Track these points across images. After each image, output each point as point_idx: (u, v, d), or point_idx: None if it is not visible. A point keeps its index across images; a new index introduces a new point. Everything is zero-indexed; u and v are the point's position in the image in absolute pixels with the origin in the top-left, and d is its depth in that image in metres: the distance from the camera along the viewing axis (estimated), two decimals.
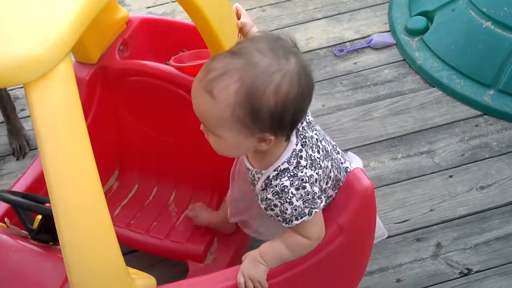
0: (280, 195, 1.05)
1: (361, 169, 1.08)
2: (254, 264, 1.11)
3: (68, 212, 0.85)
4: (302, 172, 1.06)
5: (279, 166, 1.06)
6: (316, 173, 1.08)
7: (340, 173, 1.16)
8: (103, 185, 1.53)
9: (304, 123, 1.11)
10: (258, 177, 1.10)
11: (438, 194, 1.77)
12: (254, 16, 2.42)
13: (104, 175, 1.53)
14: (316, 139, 1.12)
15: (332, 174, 1.14)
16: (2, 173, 1.94)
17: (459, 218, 1.71)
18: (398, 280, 1.59)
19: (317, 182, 1.08)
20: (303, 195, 1.05)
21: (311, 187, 1.06)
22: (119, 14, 1.41)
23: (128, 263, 1.58)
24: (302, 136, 1.09)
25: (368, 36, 2.28)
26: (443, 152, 1.88)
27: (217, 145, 1.03)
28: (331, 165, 1.14)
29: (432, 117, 1.98)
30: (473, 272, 1.59)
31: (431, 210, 1.73)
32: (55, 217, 0.85)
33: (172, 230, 1.46)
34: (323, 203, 1.11)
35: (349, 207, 1.08)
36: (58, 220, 0.85)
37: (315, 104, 2.07)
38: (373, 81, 2.13)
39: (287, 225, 1.08)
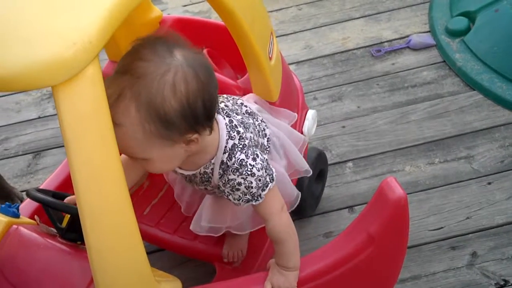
0: (241, 170, 1.04)
1: (395, 178, 1.04)
2: (280, 273, 1.09)
3: (94, 215, 0.84)
4: (247, 139, 1.06)
5: (226, 146, 1.05)
6: (251, 132, 1.09)
7: (259, 140, 1.16)
8: (134, 185, 1.54)
9: None
10: (212, 169, 1.08)
11: (475, 201, 1.71)
12: (290, 15, 2.40)
13: None
14: (229, 108, 1.12)
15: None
16: (37, 167, 1.98)
17: (497, 227, 1.65)
18: None
19: (255, 142, 1.10)
20: (261, 163, 1.05)
21: (260, 155, 1.06)
22: (153, 13, 1.41)
23: (158, 260, 1.60)
24: (220, 109, 1.07)
25: (407, 36, 2.24)
26: (482, 158, 1.82)
27: (151, 167, 0.99)
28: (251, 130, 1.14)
29: (472, 121, 1.93)
30: (510, 284, 1.54)
31: (467, 218, 1.68)
32: (82, 220, 0.85)
33: None
34: None
35: (380, 216, 1.05)
36: (84, 223, 0.85)
37: (350, 105, 2.04)
38: (411, 82, 2.08)
39: (257, 202, 1.07)
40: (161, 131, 0.91)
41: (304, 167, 1.31)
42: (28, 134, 2.09)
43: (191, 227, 1.29)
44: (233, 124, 1.07)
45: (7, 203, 1.16)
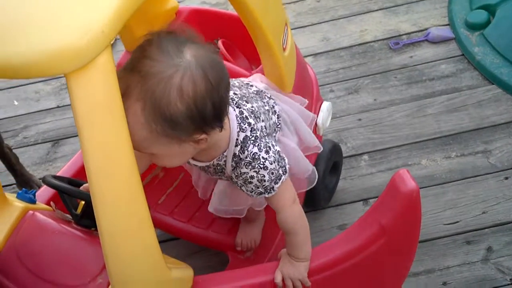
0: (253, 163, 1.04)
1: (407, 170, 1.04)
2: (291, 263, 1.10)
3: (107, 201, 0.86)
4: (258, 130, 1.05)
5: (237, 139, 1.04)
6: (262, 120, 1.08)
7: (272, 117, 1.15)
8: (149, 174, 1.56)
9: None
10: (225, 161, 1.07)
11: (492, 196, 1.70)
12: (308, 7, 2.39)
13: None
14: (238, 96, 1.11)
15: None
16: (56, 156, 2.01)
17: None
18: (444, 283, 1.54)
19: (267, 130, 1.09)
20: (274, 156, 1.04)
21: (273, 147, 1.05)
22: (169, 4, 1.41)
23: (172, 249, 1.62)
24: (230, 99, 1.06)
25: (426, 29, 2.21)
26: (500, 152, 1.80)
27: (159, 161, 1.00)
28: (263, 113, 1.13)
29: (490, 115, 1.91)
30: None
31: (483, 213, 1.67)
32: (94, 206, 0.86)
33: (214, 220, 1.46)
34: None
35: (392, 209, 1.05)
36: (96, 209, 0.86)
37: (367, 98, 2.03)
38: (429, 76, 2.06)
39: (269, 194, 1.07)
40: (167, 131, 0.91)
41: (315, 143, 1.30)
42: (47, 123, 2.12)
43: (209, 209, 1.30)
44: (244, 116, 1.06)
45: (24, 189, 1.18)
